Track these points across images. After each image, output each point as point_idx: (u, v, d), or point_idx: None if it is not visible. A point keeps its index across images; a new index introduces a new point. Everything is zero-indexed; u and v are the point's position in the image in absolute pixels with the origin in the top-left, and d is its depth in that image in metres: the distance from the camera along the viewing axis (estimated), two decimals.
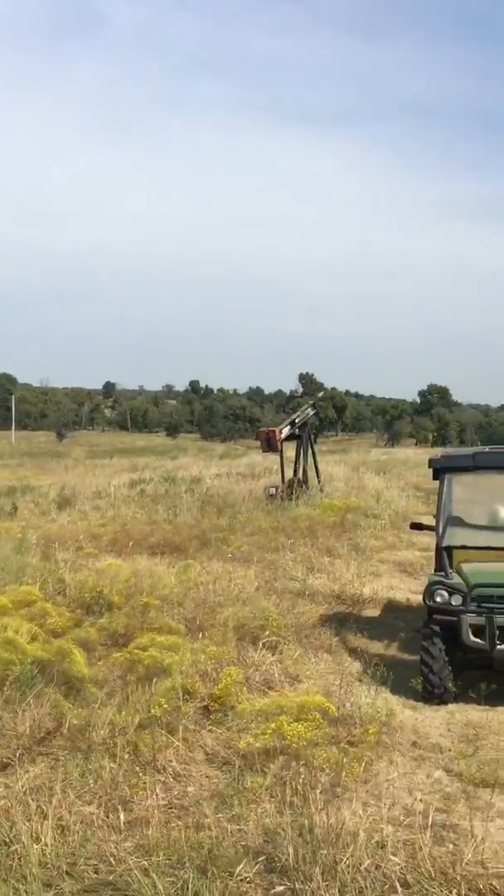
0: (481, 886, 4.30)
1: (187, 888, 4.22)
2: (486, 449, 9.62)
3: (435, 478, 9.00)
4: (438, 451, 9.59)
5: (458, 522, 8.50)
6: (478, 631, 7.37)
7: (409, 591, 12.17)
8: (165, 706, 6.23)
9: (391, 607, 11.24)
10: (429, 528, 9.35)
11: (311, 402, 26.88)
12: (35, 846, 4.47)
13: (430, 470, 9.12)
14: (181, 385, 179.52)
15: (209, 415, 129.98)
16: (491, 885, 4.33)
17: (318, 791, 5.21)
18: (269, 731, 5.73)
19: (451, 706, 7.40)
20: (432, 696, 7.43)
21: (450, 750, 6.43)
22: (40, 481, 28.90)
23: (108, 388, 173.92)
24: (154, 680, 6.82)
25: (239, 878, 4.34)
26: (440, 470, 8.76)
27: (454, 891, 4.23)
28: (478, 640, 7.36)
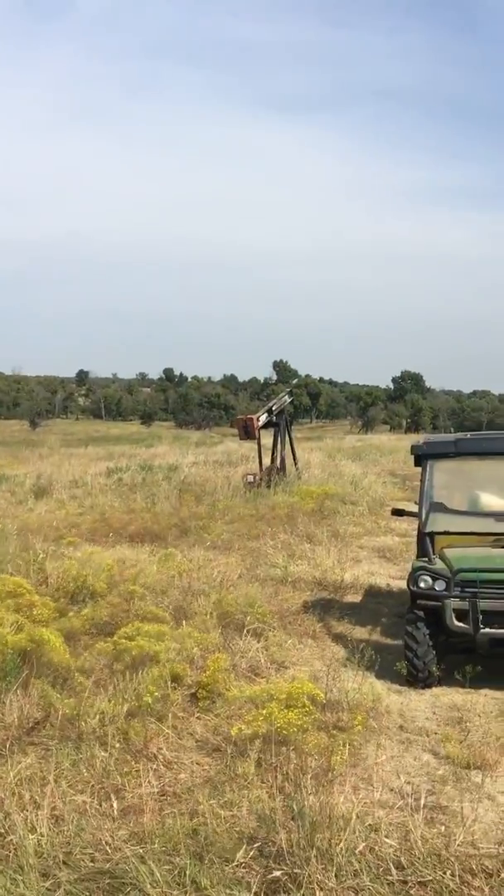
0: (473, 866, 4.36)
1: (184, 875, 4.24)
2: (468, 435, 9.69)
3: (417, 464, 9.05)
4: (420, 438, 9.64)
5: (441, 508, 8.56)
6: (461, 615, 7.45)
7: (389, 576, 12.27)
8: (156, 694, 6.23)
9: (372, 593, 11.32)
10: (410, 514, 9.43)
11: (288, 389, 26.90)
12: (31, 836, 4.46)
13: (412, 456, 9.18)
14: (155, 373, 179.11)
15: (184, 403, 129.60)
16: (483, 864, 4.40)
17: (308, 776, 5.24)
18: (261, 718, 5.76)
19: (435, 690, 7.49)
20: (417, 680, 7.51)
21: (436, 733, 6.51)
22: (15, 470, 28.61)
23: (82, 376, 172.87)
24: (142, 668, 6.81)
25: (235, 863, 4.37)
26: (422, 456, 8.80)
27: (447, 871, 4.29)
28: (461, 624, 7.44)
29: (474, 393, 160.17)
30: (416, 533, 9.22)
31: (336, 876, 4.21)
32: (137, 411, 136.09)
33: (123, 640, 7.29)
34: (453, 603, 7.45)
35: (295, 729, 5.73)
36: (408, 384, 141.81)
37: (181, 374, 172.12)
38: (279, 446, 22.67)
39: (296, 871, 4.23)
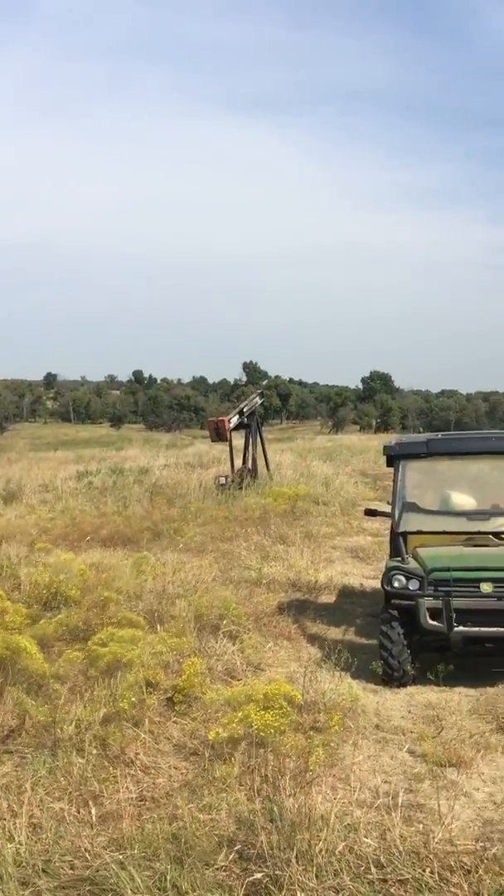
0: (452, 863, 4.41)
1: (165, 880, 4.25)
2: (439, 435, 9.79)
3: (389, 464, 9.12)
4: (392, 438, 9.70)
5: (413, 508, 8.63)
6: (435, 614, 7.52)
7: (362, 576, 12.35)
8: (132, 699, 6.21)
9: (346, 593, 11.39)
10: (383, 514, 9.49)
11: (259, 390, 26.96)
12: (9, 845, 4.44)
13: (384, 456, 9.24)
14: (124, 375, 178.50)
15: (153, 405, 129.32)
16: (461, 861, 4.45)
17: (287, 778, 5.26)
18: (237, 721, 5.77)
19: (410, 688, 7.55)
20: (392, 679, 7.58)
21: (412, 731, 6.57)
22: None
23: (50, 379, 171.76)
24: (117, 674, 6.78)
25: (216, 867, 4.38)
26: (394, 457, 8.87)
27: (427, 869, 4.34)
28: (435, 622, 7.51)
29: (442, 392, 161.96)
30: (388, 533, 9.30)
31: (317, 876, 4.23)
32: (107, 414, 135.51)
33: (97, 647, 7.26)
34: (427, 602, 7.52)
35: (272, 731, 5.74)
36: (377, 384, 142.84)
37: (150, 377, 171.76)
38: (250, 448, 22.70)
39: (277, 872, 4.25)
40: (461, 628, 7.44)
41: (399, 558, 8.13)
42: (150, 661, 7.12)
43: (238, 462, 22.44)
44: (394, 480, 8.85)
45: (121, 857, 4.43)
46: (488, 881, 4.23)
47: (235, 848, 4.53)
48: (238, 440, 23.00)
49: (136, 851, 4.48)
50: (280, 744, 5.74)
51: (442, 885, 4.24)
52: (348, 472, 26.27)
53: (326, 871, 4.27)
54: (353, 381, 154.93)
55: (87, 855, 4.49)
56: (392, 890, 4.21)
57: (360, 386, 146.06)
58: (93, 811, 4.95)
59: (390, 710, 7.08)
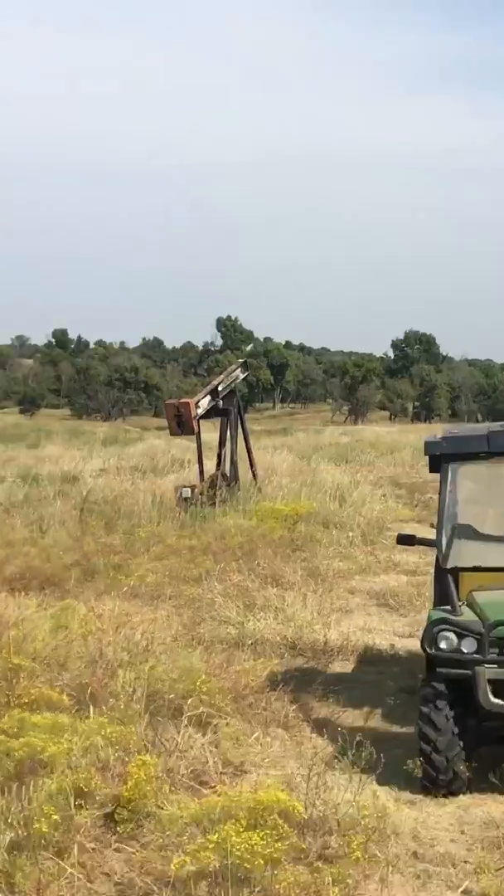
0: None
1: None
2: None
3: (433, 469, 9.17)
4: (437, 431, 9.75)
5: (468, 534, 8.71)
6: (500, 688, 7.58)
7: (393, 633, 12.48)
8: (54, 817, 6.23)
9: (369, 658, 11.49)
10: (424, 542, 9.56)
11: (241, 360, 27.03)
12: None
13: (426, 458, 9.30)
14: (39, 337, 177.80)
15: (84, 381, 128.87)
16: None
17: None
18: (211, 846, 5.79)
19: (463, 798, 7.64)
20: (437, 784, 7.65)
21: (466, 861, 6.62)
22: None
23: None
24: (32, 779, 6.81)
25: None
26: (442, 458, 8.91)
27: None
28: (500, 701, 7.57)
29: None
30: (431, 570, 9.36)
31: None
32: (14, 394, 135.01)
33: (3, 739, 7.29)
34: (489, 671, 7.58)
35: (261, 860, 5.78)
36: (415, 351, 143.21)
37: (80, 339, 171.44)
38: (228, 444, 22.75)
39: None
40: None
41: (447, 607, 8.18)
42: (81, 761, 7.16)
43: (210, 465, 22.49)
44: (440, 493, 8.91)
45: None
46: None
47: None
48: (211, 433, 23.06)
49: None
50: (274, 880, 5.78)
51: None
52: (373, 480, 26.42)
53: None
54: (381, 347, 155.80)
55: None
56: None
57: (391, 354, 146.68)
58: None
59: (434, 831, 7.14)
